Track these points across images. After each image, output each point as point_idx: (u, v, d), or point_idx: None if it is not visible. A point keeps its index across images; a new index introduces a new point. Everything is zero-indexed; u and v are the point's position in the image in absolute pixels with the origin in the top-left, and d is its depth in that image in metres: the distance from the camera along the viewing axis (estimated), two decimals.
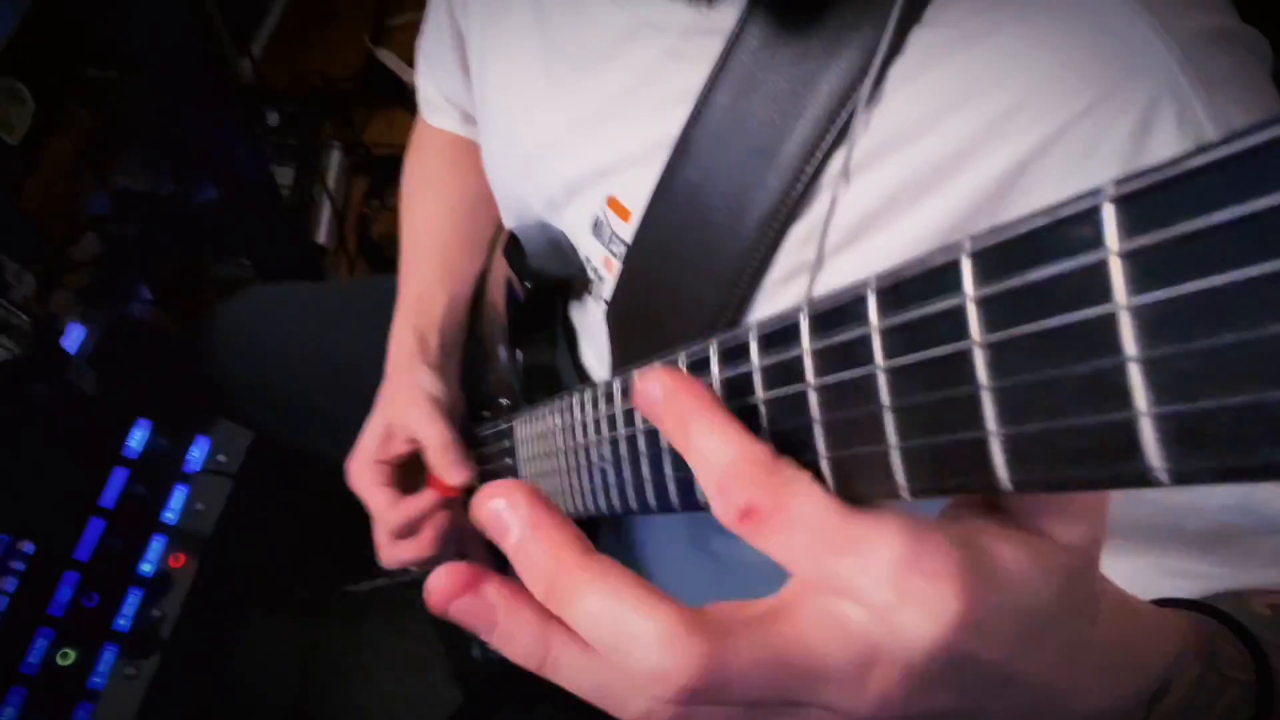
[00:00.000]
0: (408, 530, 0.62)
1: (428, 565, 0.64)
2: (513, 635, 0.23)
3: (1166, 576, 0.39)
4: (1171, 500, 0.39)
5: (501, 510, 0.23)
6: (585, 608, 0.22)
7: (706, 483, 0.22)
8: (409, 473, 0.64)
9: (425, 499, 0.61)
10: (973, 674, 0.20)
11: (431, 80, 0.75)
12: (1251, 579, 0.39)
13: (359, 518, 0.64)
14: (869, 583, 0.19)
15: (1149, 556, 0.40)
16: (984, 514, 0.22)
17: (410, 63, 1.73)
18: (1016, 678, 0.20)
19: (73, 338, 0.94)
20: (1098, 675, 0.23)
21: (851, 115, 0.40)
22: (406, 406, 0.63)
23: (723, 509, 0.22)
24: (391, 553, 0.63)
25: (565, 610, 0.22)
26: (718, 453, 0.22)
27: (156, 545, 0.91)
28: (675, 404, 0.24)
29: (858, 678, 0.20)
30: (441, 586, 0.23)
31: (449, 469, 0.60)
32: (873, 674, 0.20)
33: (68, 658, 0.83)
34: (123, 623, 0.86)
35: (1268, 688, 0.30)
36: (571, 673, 0.22)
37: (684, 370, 0.25)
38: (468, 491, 0.65)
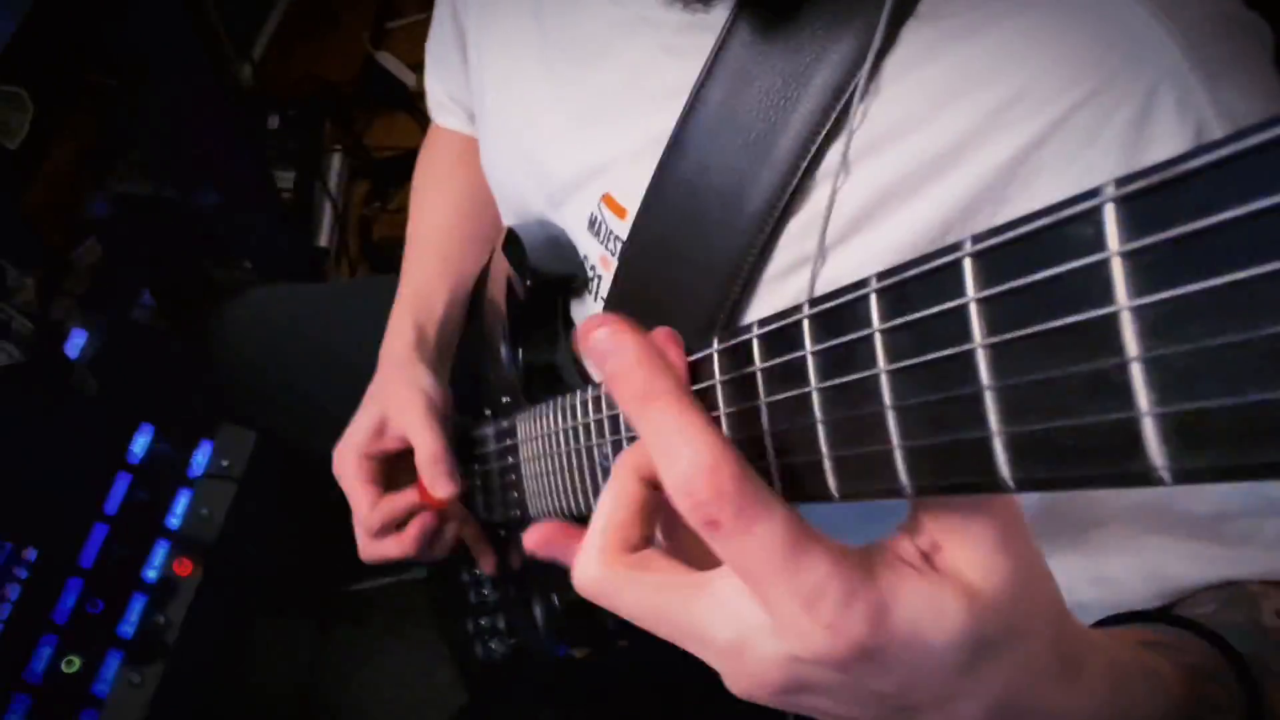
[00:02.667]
0: (389, 529, 0.61)
1: (413, 561, 0.63)
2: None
3: (1173, 559, 0.40)
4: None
5: (603, 337, 0.24)
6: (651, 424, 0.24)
7: (669, 473, 0.23)
8: (396, 466, 0.64)
9: (409, 498, 0.61)
10: (854, 687, 0.23)
11: (437, 80, 0.75)
12: (1252, 563, 0.39)
13: None
14: (788, 607, 0.22)
15: (1156, 538, 0.40)
16: (909, 544, 0.24)
17: (410, 66, 1.73)
18: (916, 709, 0.23)
19: (75, 343, 0.94)
20: None
21: (846, 108, 0.40)
22: (402, 407, 0.62)
23: (686, 508, 0.23)
24: (371, 549, 0.62)
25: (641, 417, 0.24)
26: (686, 453, 0.22)
27: (160, 551, 0.91)
28: (636, 379, 0.24)
29: (732, 652, 0.24)
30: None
31: (437, 481, 0.60)
32: (745, 654, 0.24)
33: (72, 665, 0.83)
34: (127, 629, 0.86)
35: None
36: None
37: (648, 339, 0.25)
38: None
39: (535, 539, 0.31)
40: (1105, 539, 0.40)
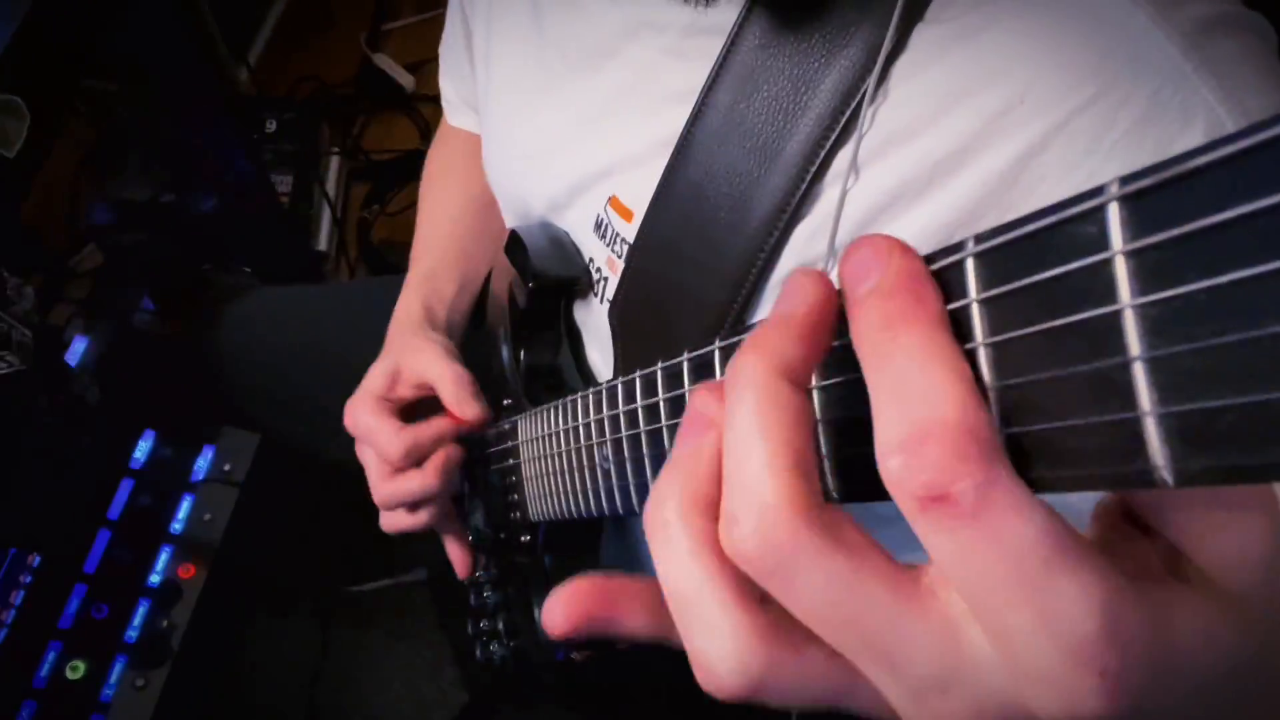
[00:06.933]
0: (413, 458, 0.58)
1: (429, 503, 0.61)
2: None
3: None
4: None
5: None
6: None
7: (891, 423, 0.17)
8: (410, 418, 0.61)
9: (436, 425, 0.58)
10: None
11: (449, 80, 0.75)
12: None
13: (364, 519, 0.63)
14: (1035, 645, 0.16)
15: None
16: (1150, 550, 0.19)
17: (407, 68, 1.73)
18: None
19: (76, 349, 0.94)
20: None
21: (855, 113, 0.40)
22: (416, 353, 0.61)
23: (902, 470, 0.17)
24: (391, 487, 0.59)
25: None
26: (929, 396, 0.17)
27: (164, 555, 0.91)
28: (892, 299, 0.18)
29: (932, 687, 0.18)
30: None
31: (465, 403, 0.57)
32: (949, 698, 0.18)
33: (77, 670, 0.83)
34: (132, 633, 0.86)
35: None
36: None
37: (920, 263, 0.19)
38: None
39: (565, 611, 0.24)
40: None
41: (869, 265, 0.19)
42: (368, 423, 0.59)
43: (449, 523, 0.66)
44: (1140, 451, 0.15)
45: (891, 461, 0.17)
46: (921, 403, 0.17)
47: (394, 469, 0.59)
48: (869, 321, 0.18)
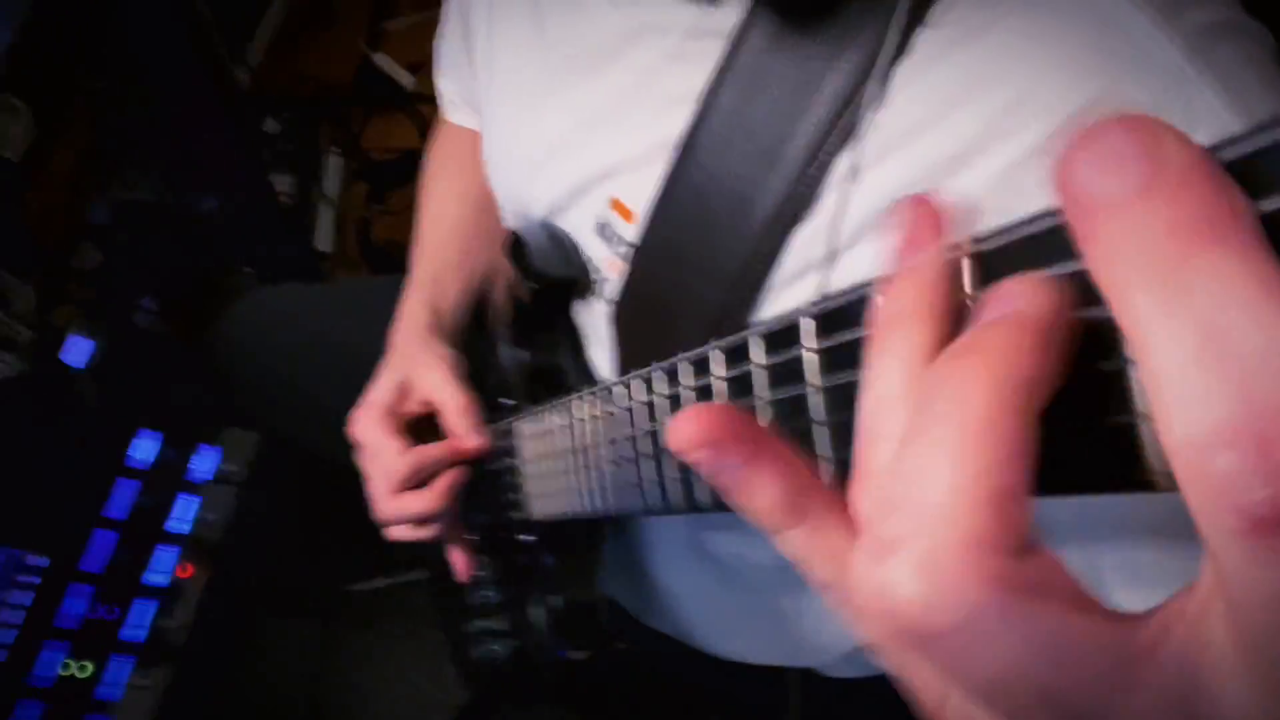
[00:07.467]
0: (418, 479, 0.59)
1: (429, 524, 0.62)
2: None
3: None
4: None
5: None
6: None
7: (1203, 396, 0.12)
8: (413, 432, 0.63)
9: (441, 449, 0.60)
10: None
11: (448, 79, 0.75)
12: None
13: (365, 519, 0.63)
14: None
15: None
16: None
17: (407, 67, 1.73)
18: None
19: (76, 350, 0.94)
20: None
21: (857, 117, 0.40)
22: (425, 369, 0.62)
23: (1222, 478, 0.11)
24: (393, 504, 0.60)
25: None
26: (1256, 342, 0.11)
27: (166, 555, 0.91)
28: (1184, 200, 0.13)
29: None
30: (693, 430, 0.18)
31: (470, 432, 0.59)
32: None
33: (80, 670, 0.83)
34: (135, 633, 0.87)
35: None
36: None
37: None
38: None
39: (692, 434, 0.18)
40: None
41: (1122, 153, 0.13)
42: (374, 439, 0.60)
43: (453, 529, 0.66)
44: (1139, 456, 0.15)
45: (1221, 459, 0.11)
46: (1244, 351, 0.11)
47: (398, 487, 0.60)
48: (1145, 227, 0.12)
